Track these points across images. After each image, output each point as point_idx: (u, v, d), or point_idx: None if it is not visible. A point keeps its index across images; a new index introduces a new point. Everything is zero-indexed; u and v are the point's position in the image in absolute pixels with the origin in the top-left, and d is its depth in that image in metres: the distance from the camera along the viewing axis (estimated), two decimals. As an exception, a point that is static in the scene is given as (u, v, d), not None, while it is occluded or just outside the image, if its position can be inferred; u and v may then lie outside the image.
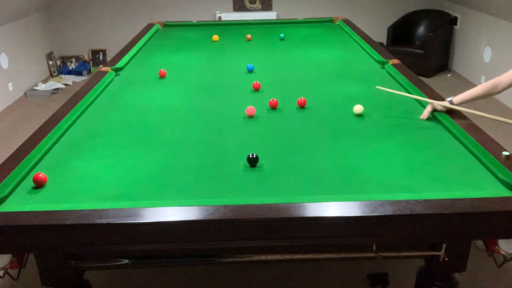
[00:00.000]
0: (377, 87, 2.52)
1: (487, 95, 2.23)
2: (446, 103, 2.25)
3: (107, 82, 2.97)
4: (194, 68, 3.33)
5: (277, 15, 6.48)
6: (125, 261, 1.69)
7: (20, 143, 2.05)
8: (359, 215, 1.50)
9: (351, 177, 1.77)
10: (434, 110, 2.29)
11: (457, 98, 2.25)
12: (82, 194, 1.69)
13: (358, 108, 2.35)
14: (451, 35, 6.18)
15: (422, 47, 6.01)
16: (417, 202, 1.54)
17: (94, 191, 1.71)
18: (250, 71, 3.15)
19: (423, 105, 2.44)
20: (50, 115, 2.38)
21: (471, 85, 5.65)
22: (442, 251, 1.65)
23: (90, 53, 6.67)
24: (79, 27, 6.58)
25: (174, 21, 4.92)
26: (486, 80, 5.37)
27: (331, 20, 4.84)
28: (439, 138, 2.09)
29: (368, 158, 1.92)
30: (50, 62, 6.40)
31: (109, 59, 6.28)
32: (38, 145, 2.01)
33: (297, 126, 2.28)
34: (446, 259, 1.67)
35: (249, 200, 1.59)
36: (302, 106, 2.48)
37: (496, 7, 5.04)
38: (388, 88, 2.51)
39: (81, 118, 2.42)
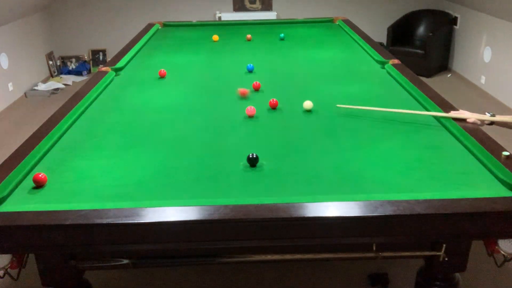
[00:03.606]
0: (338, 105, 2.42)
1: None
2: (486, 116, 2.15)
3: (107, 82, 2.97)
4: (194, 68, 3.33)
5: (277, 15, 6.48)
6: (125, 261, 1.69)
7: (20, 143, 2.05)
8: (359, 215, 1.50)
9: (351, 177, 1.77)
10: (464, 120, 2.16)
11: (499, 117, 2.15)
12: (82, 194, 1.69)
13: (307, 104, 2.40)
14: (451, 35, 6.18)
15: (422, 47, 6.01)
16: (417, 202, 1.54)
17: (94, 191, 1.71)
18: (250, 71, 3.15)
19: (424, 106, 2.44)
20: (50, 115, 2.38)
21: (471, 85, 5.67)
22: (442, 251, 1.66)
23: (90, 53, 6.67)
24: (79, 27, 6.58)
25: (174, 21, 4.92)
26: (486, 80, 5.39)
27: (331, 20, 4.84)
28: (439, 138, 2.08)
29: (368, 158, 1.92)
30: (50, 62, 6.40)
31: (109, 59, 6.28)
32: (38, 145, 2.01)
33: (297, 126, 2.28)
34: (446, 259, 1.67)
35: (249, 200, 1.59)
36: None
37: (496, 7, 5.04)
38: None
39: (81, 118, 2.42)
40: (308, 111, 2.40)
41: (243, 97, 2.33)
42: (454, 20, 6.09)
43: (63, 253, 1.66)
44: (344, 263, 2.67)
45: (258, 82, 2.80)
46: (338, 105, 2.44)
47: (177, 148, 2.07)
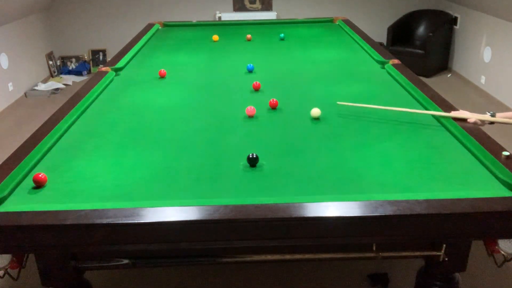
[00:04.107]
0: (338, 102, 2.45)
1: None
2: (487, 117, 2.15)
3: (107, 82, 2.97)
4: (194, 68, 3.33)
5: (277, 15, 6.48)
6: (125, 261, 1.69)
7: (20, 143, 2.05)
8: (359, 215, 1.50)
9: (351, 177, 1.77)
10: (465, 120, 2.15)
11: (500, 115, 2.16)
12: (82, 194, 1.69)
13: (315, 112, 2.33)
14: (451, 35, 6.18)
15: (422, 47, 6.01)
16: (417, 202, 1.54)
17: (94, 191, 1.71)
18: (250, 71, 3.15)
19: (424, 106, 2.44)
20: (50, 115, 2.38)
21: (471, 85, 5.67)
22: (442, 251, 1.66)
23: (90, 53, 6.67)
24: (79, 27, 6.58)
25: (174, 21, 4.92)
26: (486, 80, 5.38)
27: (331, 20, 4.84)
28: (439, 138, 2.08)
29: (368, 158, 1.92)
30: (50, 62, 6.40)
31: (109, 59, 6.28)
32: (38, 145, 2.01)
33: (297, 126, 2.28)
34: (446, 259, 1.67)
35: (249, 200, 1.59)
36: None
37: (496, 7, 5.04)
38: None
39: (81, 118, 2.42)
40: (316, 119, 2.33)
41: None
42: (454, 20, 6.09)
43: (63, 253, 1.66)
44: (344, 263, 2.67)
45: (258, 82, 2.80)
46: (338, 103, 2.44)
47: (177, 148, 2.07)
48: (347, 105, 2.43)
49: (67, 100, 2.62)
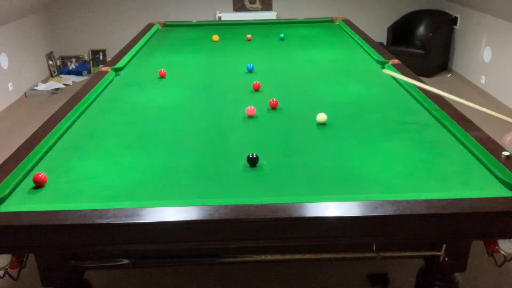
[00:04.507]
0: (385, 71, 2.41)
1: None
2: None
3: (107, 82, 2.97)
4: (194, 68, 3.33)
5: (277, 15, 6.48)
6: (125, 261, 1.69)
7: (20, 143, 2.05)
8: (359, 215, 1.50)
9: (351, 177, 1.77)
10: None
11: None
12: (82, 194, 1.69)
13: (321, 117, 2.27)
14: (451, 35, 6.18)
15: (422, 47, 6.01)
16: (417, 202, 1.54)
17: (94, 191, 1.71)
18: (250, 71, 3.15)
19: (424, 106, 2.44)
20: (50, 115, 2.38)
21: (471, 85, 5.67)
22: (442, 251, 1.66)
23: (90, 53, 6.67)
24: (79, 27, 6.58)
25: (174, 21, 4.92)
26: (486, 81, 5.38)
27: (331, 20, 4.84)
28: (439, 138, 2.08)
29: (368, 158, 1.92)
30: (50, 62, 6.40)
31: (109, 59, 6.28)
32: (38, 145, 2.01)
33: (297, 126, 2.28)
34: (446, 259, 1.67)
35: (249, 200, 1.59)
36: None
37: (496, 7, 5.04)
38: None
39: (81, 118, 2.42)
40: (322, 124, 2.28)
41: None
42: (454, 20, 6.09)
43: (63, 253, 1.66)
44: (344, 263, 2.67)
45: (258, 82, 2.80)
46: (384, 70, 2.44)
47: (177, 148, 2.07)
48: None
49: (67, 100, 2.61)
